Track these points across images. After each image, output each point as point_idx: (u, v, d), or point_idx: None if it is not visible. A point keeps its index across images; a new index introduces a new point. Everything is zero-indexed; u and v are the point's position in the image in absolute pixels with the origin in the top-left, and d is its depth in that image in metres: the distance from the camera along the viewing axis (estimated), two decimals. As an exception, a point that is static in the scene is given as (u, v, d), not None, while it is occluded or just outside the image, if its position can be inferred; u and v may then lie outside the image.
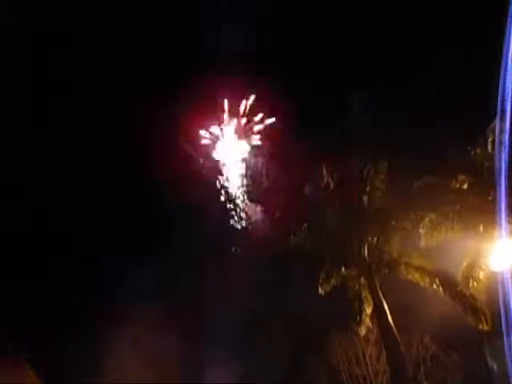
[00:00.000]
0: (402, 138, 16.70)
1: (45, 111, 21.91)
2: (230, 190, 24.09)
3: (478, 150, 14.02)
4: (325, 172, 17.28)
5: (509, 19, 10.83)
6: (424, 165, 14.82)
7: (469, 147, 14.17)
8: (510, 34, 10.92)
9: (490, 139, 13.80)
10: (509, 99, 11.65)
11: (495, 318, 13.79)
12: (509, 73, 11.27)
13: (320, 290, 15.91)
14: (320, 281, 15.91)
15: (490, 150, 13.82)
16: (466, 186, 14.34)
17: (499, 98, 11.58)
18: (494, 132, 13.67)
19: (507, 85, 11.36)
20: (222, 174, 25.57)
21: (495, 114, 12.08)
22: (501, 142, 13.17)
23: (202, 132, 28.38)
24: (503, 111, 12.03)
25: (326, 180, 17.25)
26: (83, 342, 18.98)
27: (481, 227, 13.89)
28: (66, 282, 20.69)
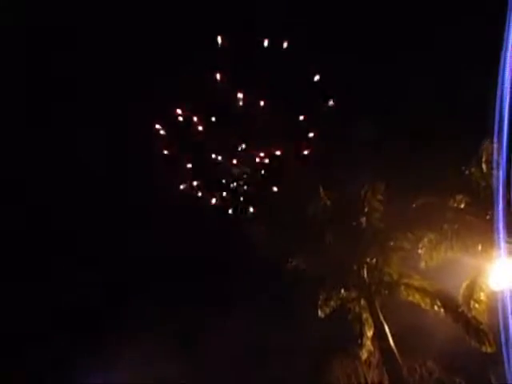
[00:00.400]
0: (399, 159, 16.81)
1: (44, 111, 22.05)
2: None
3: (473, 170, 14.13)
4: (322, 193, 17.38)
5: (503, 47, 11.10)
6: (421, 185, 14.88)
7: (463, 167, 14.28)
8: (505, 58, 11.18)
9: (484, 159, 13.93)
10: (505, 120, 11.83)
11: (498, 339, 13.60)
12: (505, 92, 11.48)
13: (320, 312, 15.76)
14: (319, 303, 15.78)
15: (484, 170, 13.93)
16: (463, 206, 14.39)
17: (496, 119, 11.77)
18: (487, 151, 13.82)
19: (503, 105, 11.56)
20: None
21: (488, 133, 12.25)
22: (497, 162, 13.31)
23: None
24: (500, 132, 12.21)
25: (324, 201, 17.33)
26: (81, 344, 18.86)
27: (479, 246, 13.87)
28: (62, 283, 20.68)
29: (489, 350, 14.15)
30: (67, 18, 20.49)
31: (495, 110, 11.51)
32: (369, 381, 19.08)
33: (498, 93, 11.44)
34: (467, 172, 14.20)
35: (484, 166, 13.94)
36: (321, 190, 17.07)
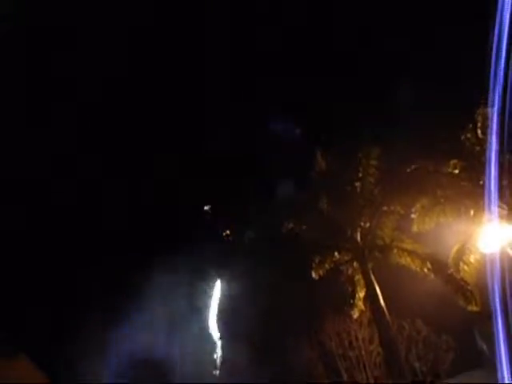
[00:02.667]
0: (394, 123, 16.74)
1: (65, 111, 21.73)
2: None
3: (469, 135, 14.15)
4: (319, 158, 17.38)
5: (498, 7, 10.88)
6: (416, 149, 14.91)
7: (459, 132, 14.28)
8: (500, 21, 10.98)
9: (479, 124, 13.93)
10: (499, 85, 11.76)
11: (485, 299, 14.09)
12: (499, 59, 11.36)
13: (313, 274, 16.13)
14: (313, 265, 16.13)
15: (480, 135, 13.96)
16: (457, 171, 14.49)
17: (490, 84, 11.70)
18: (483, 116, 13.80)
19: (498, 70, 11.47)
20: None
21: (484, 99, 12.20)
22: (490, 128, 13.33)
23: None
24: (493, 97, 12.17)
25: (319, 166, 17.36)
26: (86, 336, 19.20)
27: (471, 212, 14.10)
28: (69, 277, 20.87)
29: (475, 308, 14.73)
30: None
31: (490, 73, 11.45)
32: (359, 338, 19.86)
33: (493, 55, 11.33)
34: (463, 137, 14.22)
35: (479, 131, 13.96)
36: (318, 153, 17.05)
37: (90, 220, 22.28)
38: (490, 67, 11.37)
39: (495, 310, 11.70)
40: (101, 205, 22.44)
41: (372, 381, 19.93)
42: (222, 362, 20.46)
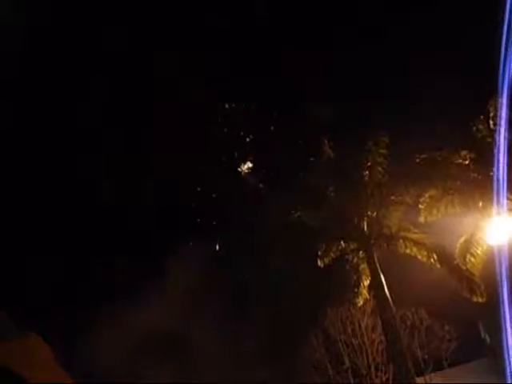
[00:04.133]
0: (405, 112, 16.57)
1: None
2: None
3: (480, 126, 13.98)
4: (326, 145, 17.26)
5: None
6: (426, 139, 14.77)
7: (471, 123, 14.11)
8: (510, 11, 10.79)
9: (492, 114, 13.76)
10: (508, 75, 11.60)
11: (490, 291, 14.11)
12: (509, 48, 11.18)
13: (319, 262, 16.16)
14: (319, 253, 16.14)
15: (492, 126, 13.80)
16: (467, 162, 14.37)
17: (500, 74, 11.55)
18: (495, 107, 13.62)
19: (507, 60, 11.30)
20: None
21: (497, 89, 12.04)
22: (501, 118, 13.17)
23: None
24: (503, 86, 12.01)
25: (326, 154, 17.25)
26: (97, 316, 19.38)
27: (480, 203, 14.02)
28: (85, 255, 20.99)
29: (479, 299, 14.74)
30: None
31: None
32: (362, 327, 20.00)
33: (503, 45, 11.18)
34: (474, 128, 14.06)
35: (491, 122, 13.79)
36: (325, 142, 16.92)
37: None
38: (501, 57, 11.22)
39: (503, 302, 11.73)
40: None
41: (373, 367, 20.14)
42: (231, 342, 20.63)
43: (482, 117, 14.23)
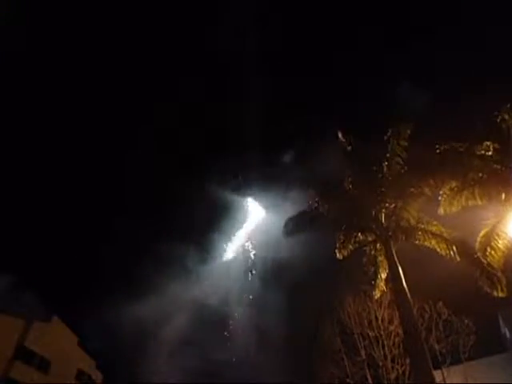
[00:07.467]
0: (427, 102, 16.20)
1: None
2: None
3: (506, 116, 13.58)
4: (343, 137, 17.02)
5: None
6: (449, 130, 14.41)
7: (496, 112, 13.71)
8: None
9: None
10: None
11: (510, 285, 13.83)
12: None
13: (338, 254, 16.06)
14: (337, 245, 16.04)
15: (518, 116, 13.41)
16: (490, 153, 13.98)
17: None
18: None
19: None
20: None
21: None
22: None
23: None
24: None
25: (345, 145, 17.02)
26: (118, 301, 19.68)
27: (503, 195, 13.68)
28: (106, 243, 21.34)
29: (500, 294, 14.45)
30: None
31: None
32: (379, 319, 19.91)
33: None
34: (499, 118, 13.65)
35: (518, 113, 13.38)
36: (339, 134, 16.68)
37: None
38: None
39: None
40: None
41: (390, 359, 20.07)
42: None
43: (508, 105, 13.79)
